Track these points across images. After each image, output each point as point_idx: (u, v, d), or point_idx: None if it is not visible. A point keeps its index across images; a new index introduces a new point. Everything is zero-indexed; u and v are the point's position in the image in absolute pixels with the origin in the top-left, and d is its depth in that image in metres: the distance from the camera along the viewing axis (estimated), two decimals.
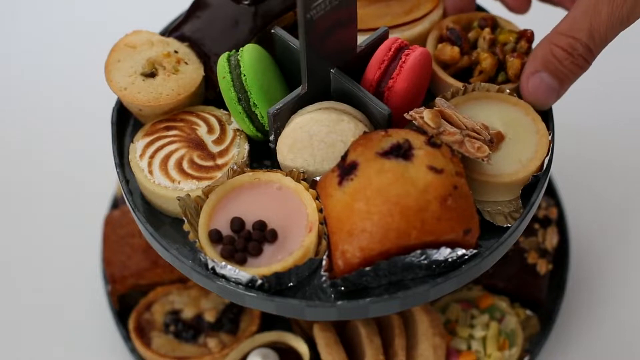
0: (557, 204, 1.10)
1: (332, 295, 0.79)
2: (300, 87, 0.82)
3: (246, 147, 0.86)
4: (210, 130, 0.86)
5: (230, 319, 1.01)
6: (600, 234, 1.13)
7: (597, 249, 1.12)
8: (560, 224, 1.09)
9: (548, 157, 0.83)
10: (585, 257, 1.11)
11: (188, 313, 1.02)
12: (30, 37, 1.35)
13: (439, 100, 0.82)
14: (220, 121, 0.87)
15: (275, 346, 0.98)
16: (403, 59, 0.82)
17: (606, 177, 1.17)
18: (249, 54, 0.83)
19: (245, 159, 0.85)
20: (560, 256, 1.07)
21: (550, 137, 0.84)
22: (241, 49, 0.84)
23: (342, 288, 0.79)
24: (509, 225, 0.81)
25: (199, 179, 0.83)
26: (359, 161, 0.77)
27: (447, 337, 0.97)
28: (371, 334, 0.94)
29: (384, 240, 0.75)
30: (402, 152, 0.77)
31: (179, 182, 0.83)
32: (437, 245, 0.76)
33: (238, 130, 0.87)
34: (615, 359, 1.04)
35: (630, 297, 1.08)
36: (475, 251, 0.79)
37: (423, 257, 0.76)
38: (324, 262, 0.78)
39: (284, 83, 0.88)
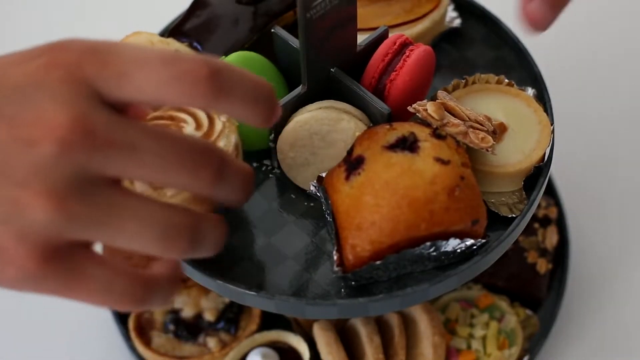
0: (557, 203, 1.10)
1: (334, 293, 0.79)
2: (300, 87, 0.82)
3: (233, 139, 0.82)
4: (198, 126, 0.84)
5: (230, 318, 1.01)
6: (600, 234, 1.13)
7: (597, 248, 1.12)
8: (560, 223, 1.09)
9: (549, 148, 0.83)
10: (585, 257, 1.11)
11: (188, 312, 1.02)
12: (30, 38, 1.35)
13: (440, 93, 0.82)
14: (208, 115, 0.85)
15: (275, 345, 0.98)
16: (407, 54, 0.82)
17: (606, 177, 1.17)
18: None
19: (232, 150, 0.82)
20: (560, 255, 1.07)
21: (551, 128, 0.84)
22: (222, 57, 0.83)
23: (353, 282, 0.79)
24: (514, 215, 0.81)
25: None
26: (366, 155, 0.77)
27: (447, 337, 0.97)
28: (371, 333, 0.94)
29: (393, 233, 0.75)
30: (408, 144, 0.77)
31: None
32: (446, 237, 0.76)
33: (227, 122, 0.85)
34: (615, 359, 1.04)
35: (630, 297, 1.08)
36: (483, 241, 0.78)
37: (432, 249, 0.76)
38: (335, 257, 0.78)
39: (283, 82, 0.88)
